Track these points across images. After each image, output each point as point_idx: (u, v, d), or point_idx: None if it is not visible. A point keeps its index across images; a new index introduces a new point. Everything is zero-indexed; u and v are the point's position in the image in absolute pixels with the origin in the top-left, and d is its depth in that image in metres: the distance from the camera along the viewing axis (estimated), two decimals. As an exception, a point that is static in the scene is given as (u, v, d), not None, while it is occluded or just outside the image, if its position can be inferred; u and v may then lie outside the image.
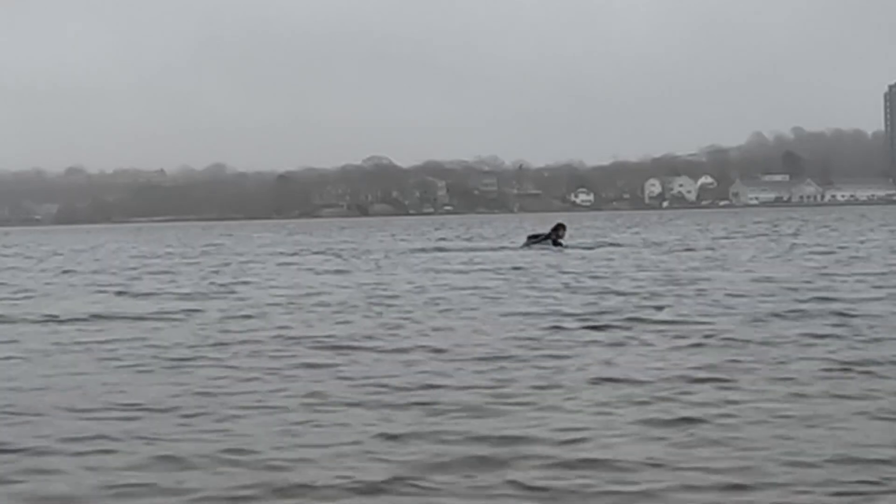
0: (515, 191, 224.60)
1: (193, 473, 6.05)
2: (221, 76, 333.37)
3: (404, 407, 7.69)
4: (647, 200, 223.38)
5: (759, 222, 69.34)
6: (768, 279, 18.63)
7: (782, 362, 9.35)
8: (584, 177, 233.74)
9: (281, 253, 37.82)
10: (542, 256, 28.13)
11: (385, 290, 18.48)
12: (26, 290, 20.88)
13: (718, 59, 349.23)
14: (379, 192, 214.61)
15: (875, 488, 5.51)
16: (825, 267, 21.97)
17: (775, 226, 59.83)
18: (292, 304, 16.11)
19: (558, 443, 6.55)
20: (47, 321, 14.32)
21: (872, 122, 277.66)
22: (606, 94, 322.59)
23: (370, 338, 11.69)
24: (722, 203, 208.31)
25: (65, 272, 28.21)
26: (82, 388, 8.81)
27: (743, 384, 8.37)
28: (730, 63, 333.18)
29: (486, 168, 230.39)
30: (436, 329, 12.46)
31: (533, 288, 18.08)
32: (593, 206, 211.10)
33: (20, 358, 10.76)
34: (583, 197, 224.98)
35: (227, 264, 29.99)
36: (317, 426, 7.20)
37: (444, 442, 6.61)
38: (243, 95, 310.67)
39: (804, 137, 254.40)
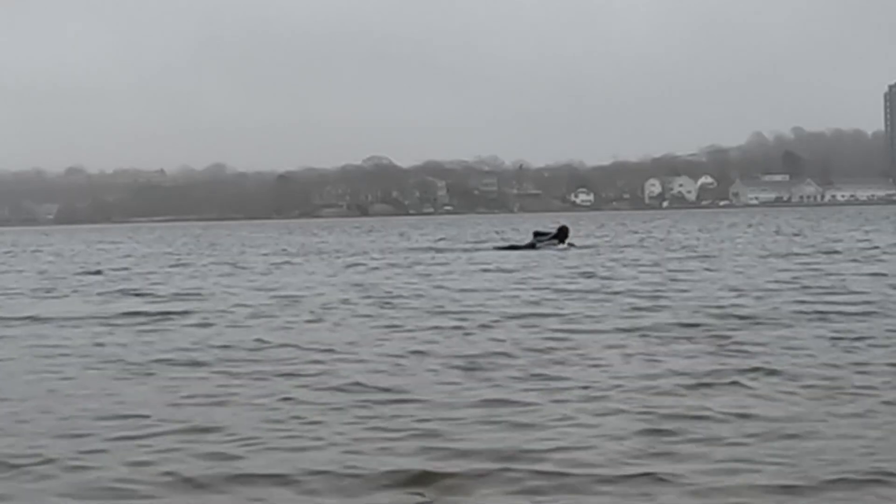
0: (515, 191, 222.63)
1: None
2: (221, 76, 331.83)
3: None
4: (647, 200, 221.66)
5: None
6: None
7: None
8: (585, 177, 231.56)
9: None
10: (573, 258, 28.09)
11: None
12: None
13: (718, 59, 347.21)
14: (379, 192, 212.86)
15: None
16: None
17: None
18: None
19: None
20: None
21: (873, 121, 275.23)
22: (606, 94, 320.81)
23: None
24: (722, 203, 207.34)
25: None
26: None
27: None
28: (730, 63, 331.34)
29: (487, 168, 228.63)
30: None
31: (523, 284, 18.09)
32: (593, 206, 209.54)
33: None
34: (583, 197, 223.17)
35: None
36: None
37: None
38: (243, 95, 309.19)
39: (804, 137, 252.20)
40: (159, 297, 18.19)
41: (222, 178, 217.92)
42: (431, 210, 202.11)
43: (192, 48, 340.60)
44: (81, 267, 29.75)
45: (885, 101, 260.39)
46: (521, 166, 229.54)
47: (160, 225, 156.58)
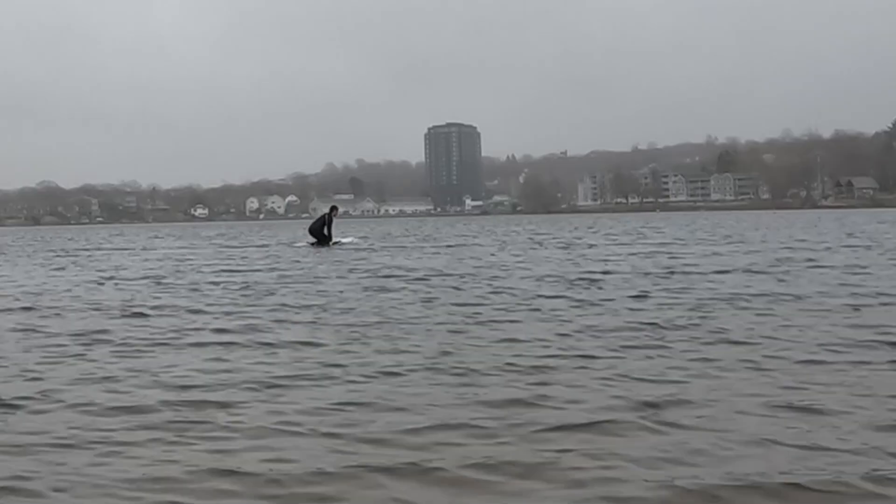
0: (150, 206, 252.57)
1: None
2: None
3: None
4: (248, 213, 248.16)
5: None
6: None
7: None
8: (202, 196, 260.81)
9: None
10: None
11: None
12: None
13: (293, 101, 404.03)
14: (48, 207, 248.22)
15: None
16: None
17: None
18: None
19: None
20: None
21: (416, 154, 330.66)
22: (219, 132, 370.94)
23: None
24: (304, 216, 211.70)
25: None
26: None
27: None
28: (305, 105, 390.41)
29: (129, 189, 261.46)
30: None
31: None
32: (208, 218, 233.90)
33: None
34: (200, 211, 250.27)
35: None
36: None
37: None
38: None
39: (364, 166, 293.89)
40: None
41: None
42: (87, 221, 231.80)
43: None
44: None
45: (425, 139, 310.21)
46: (153, 188, 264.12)
47: None
